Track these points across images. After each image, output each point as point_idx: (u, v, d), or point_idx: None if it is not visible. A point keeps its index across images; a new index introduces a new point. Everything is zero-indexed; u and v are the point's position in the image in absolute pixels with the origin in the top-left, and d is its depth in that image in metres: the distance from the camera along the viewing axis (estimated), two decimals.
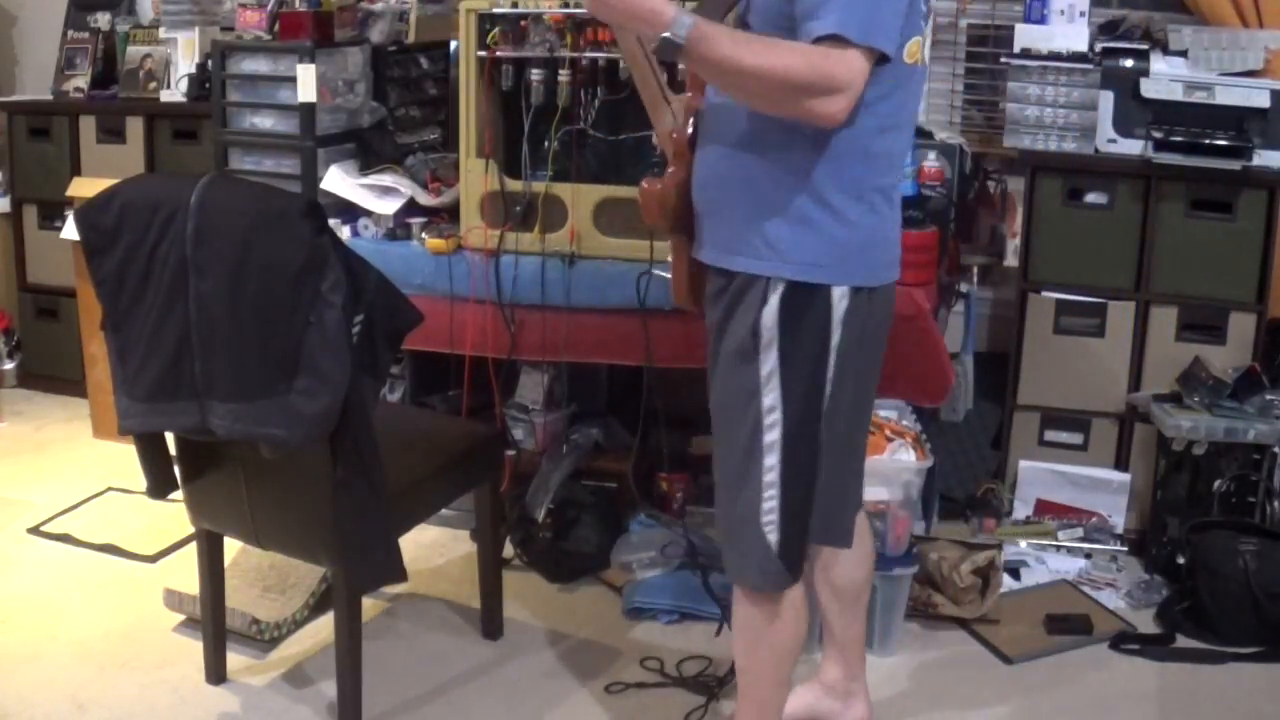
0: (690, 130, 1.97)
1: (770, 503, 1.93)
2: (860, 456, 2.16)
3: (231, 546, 2.55)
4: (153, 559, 3.09)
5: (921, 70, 1.93)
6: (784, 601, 2.02)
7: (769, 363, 1.89)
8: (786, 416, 1.90)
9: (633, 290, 2.69)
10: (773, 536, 1.94)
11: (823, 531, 2.04)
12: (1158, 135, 3.03)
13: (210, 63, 3.25)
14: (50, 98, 4.31)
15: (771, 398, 1.90)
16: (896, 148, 1.93)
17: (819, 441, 1.94)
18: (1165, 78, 3.06)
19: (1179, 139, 3.01)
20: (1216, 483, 3.02)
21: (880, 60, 1.74)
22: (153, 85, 4.08)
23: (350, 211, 2.99)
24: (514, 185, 2.76)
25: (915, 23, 1.82)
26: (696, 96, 1.97)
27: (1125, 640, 2.75)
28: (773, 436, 1.91)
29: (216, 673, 2.55)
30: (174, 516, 3.07)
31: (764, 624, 2.03)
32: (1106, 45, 3.15)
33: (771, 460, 1.91)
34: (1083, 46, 3.15)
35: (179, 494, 2.40)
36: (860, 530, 2.23)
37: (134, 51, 4.14)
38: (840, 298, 1.88)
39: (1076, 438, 3.23)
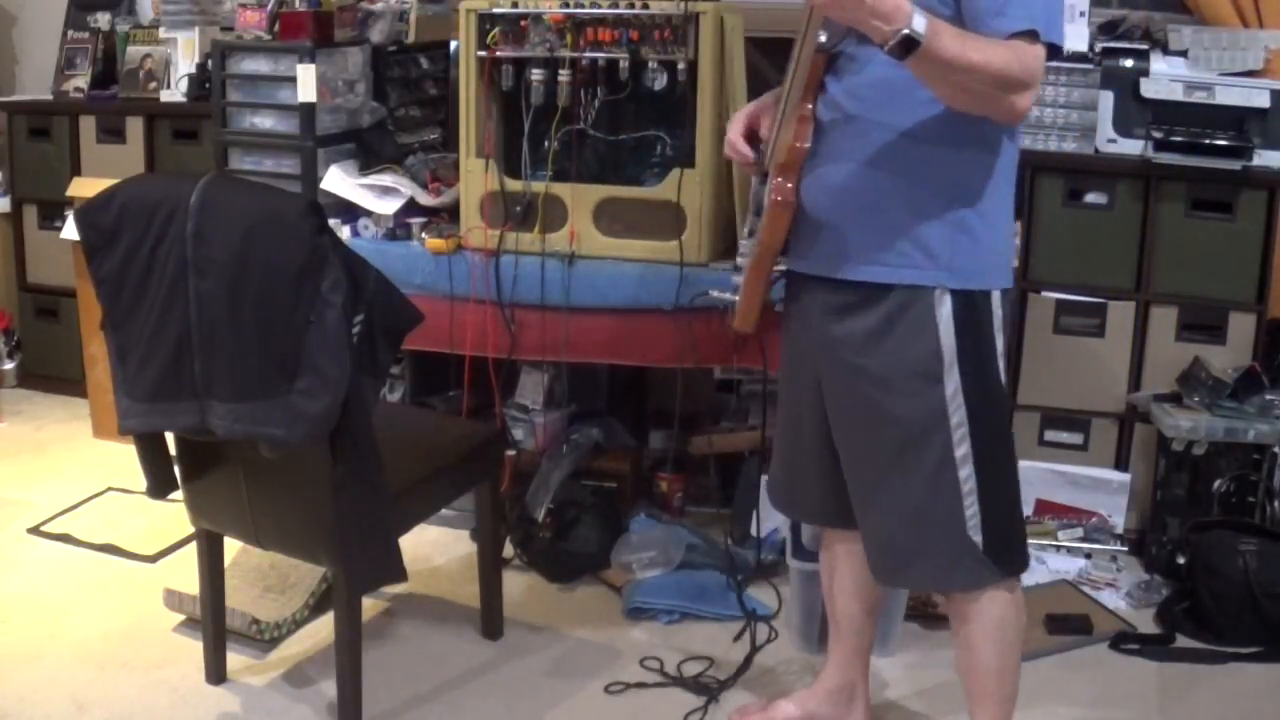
0: (809, 140, 1.92)
1: (971, 509, 1.94)
2: None
3: (231, 546, 2.55)
4: (153, 559, 3.09)
5: None
6: (1013, 591, 2.03)
7: (953, 380, 1.90)
8: (974, 427, 1.91)
9: (632, 290, 2.69)
10: (977, 538, 1.95)
11: None
12: (1158, 135, 3.03)
13: (210, 63, 3.26)
14: (50, 98, 4.31)
15: (959, 415, 1.91)
16: (1018, 148, 1.95)
17: (1010, 439, 1.98)
18: (1165, 78, 3.06)
19: (1179, 139, 3.01)
20: (1216, 483, 3.02)
21: (1050, 56, 1.76)
22: (153, 85, 4.08)
23: (350, 211, 2.99)
24: (514, 185, 2.76)
25: None
26: (808, 103, 1.91)
27: (1125, 640, 2.75)
28: (964, 449, 1.92)
29: (216, 673, 2.55)
30: (174, 516, 3.08)
31: (1011, 613, 2.03)
32: (1106, 45, 3.15)
33: (967, 471, 1.92)
34: (1083, 46, 3.14)
35: (179, 494, 2.40)
36: None
37: (134, 51, 4.14)
38: (998, 302, 1.92)
39: (1076, 438, 3.23)
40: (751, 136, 2.10)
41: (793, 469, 2.20)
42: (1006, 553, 1.99)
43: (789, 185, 1.94)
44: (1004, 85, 1.72)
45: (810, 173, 1.94)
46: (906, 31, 1.64)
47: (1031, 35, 1.72)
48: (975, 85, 1.72)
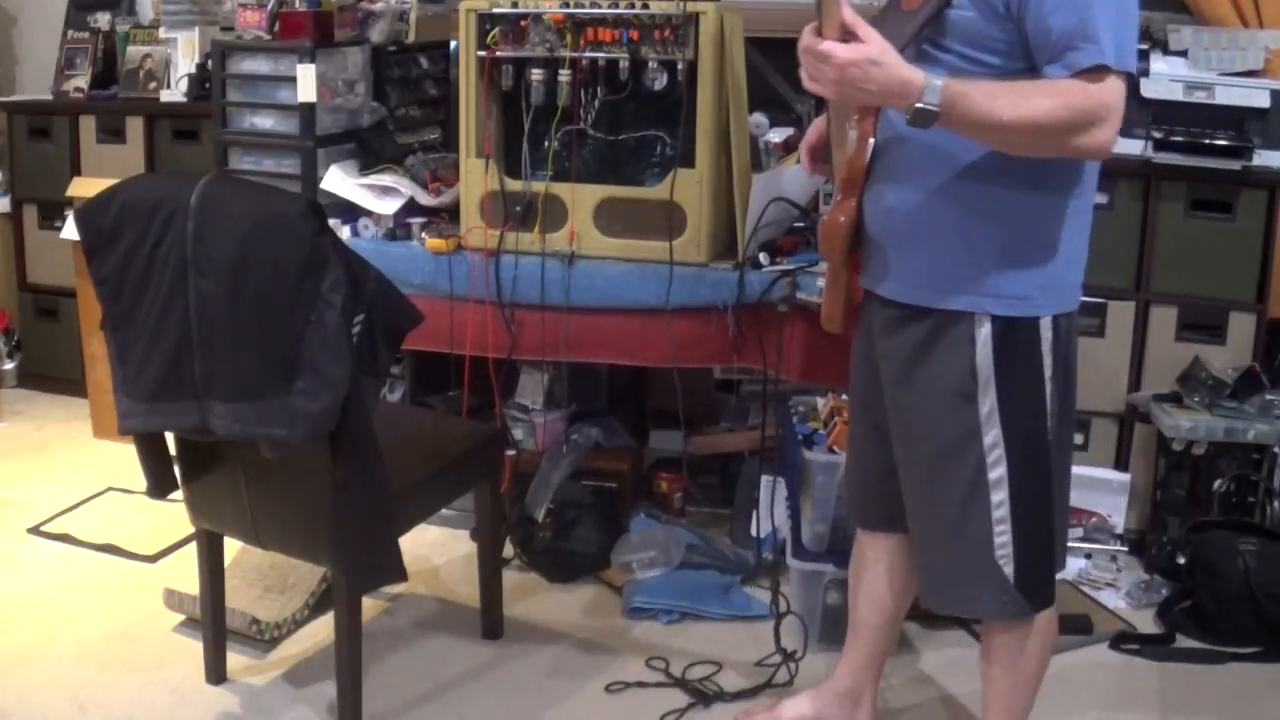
0: (868, 157, 1.91)
1: (1003, 537, 1.92)
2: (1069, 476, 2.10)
3: (231, 546, 2.55)
4: (153, 559, 3.09)
5: None
6: (1048, 620, 2.02)
7: (988, 402, 1.88)
8: (1010, 453, 1.89)
9: (632, 290, 2.69)
10: (1008, 569, 1.93)
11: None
12: (1158, 135, 3.03)
13: (210, 63, 3.26)
14: (50, 98, 4.31)
15: (993, 435, 1.89)
16: (1093, 171, 1.89)
17: (1049, 472, 1.93)
18: (1165, 78, 3.06)
19: (1179, 139, 3.01)
20: (1216, 483, 3.02)
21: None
22: (153, 85, 4.08)
23: (350, 211, 2.99)
24: (514, 185, 2.76)
25: None
26: (868, 122, 1.90)
27: (1125, 640, 2.75)
28: (999, 473, 1.90)
29: (216, 673, 2.55)
30: (174, 516, 3.07)
31: (1018, 648, 2.02)
32: None
33: (1000, 496, 1.90)
34: None
35: (179, 494, 2.40)
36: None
37: (134, 51, 4.14)
38: (1047, 327, 1.87)
39: (1077, 438, 3.22)
40: (827, 145, 2.08)
41: (863, 473, 2.19)
42: (1037, 586, 1.96)
43: (842, 204, 1.95)
44: (1052, 134, 1.69)
45: (869, 190, 1.94)
46: (919, 105, 1.67)
47: (1099, 70, 1.67)
48: (1018, 140, 1.71)
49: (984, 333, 1.86)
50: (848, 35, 1.70)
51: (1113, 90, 1.69)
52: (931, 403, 1.93)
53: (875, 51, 1.68)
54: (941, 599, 2.05)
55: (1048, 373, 1.89)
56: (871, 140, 1.89)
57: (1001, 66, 1.76)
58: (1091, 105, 1.68)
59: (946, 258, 1.87)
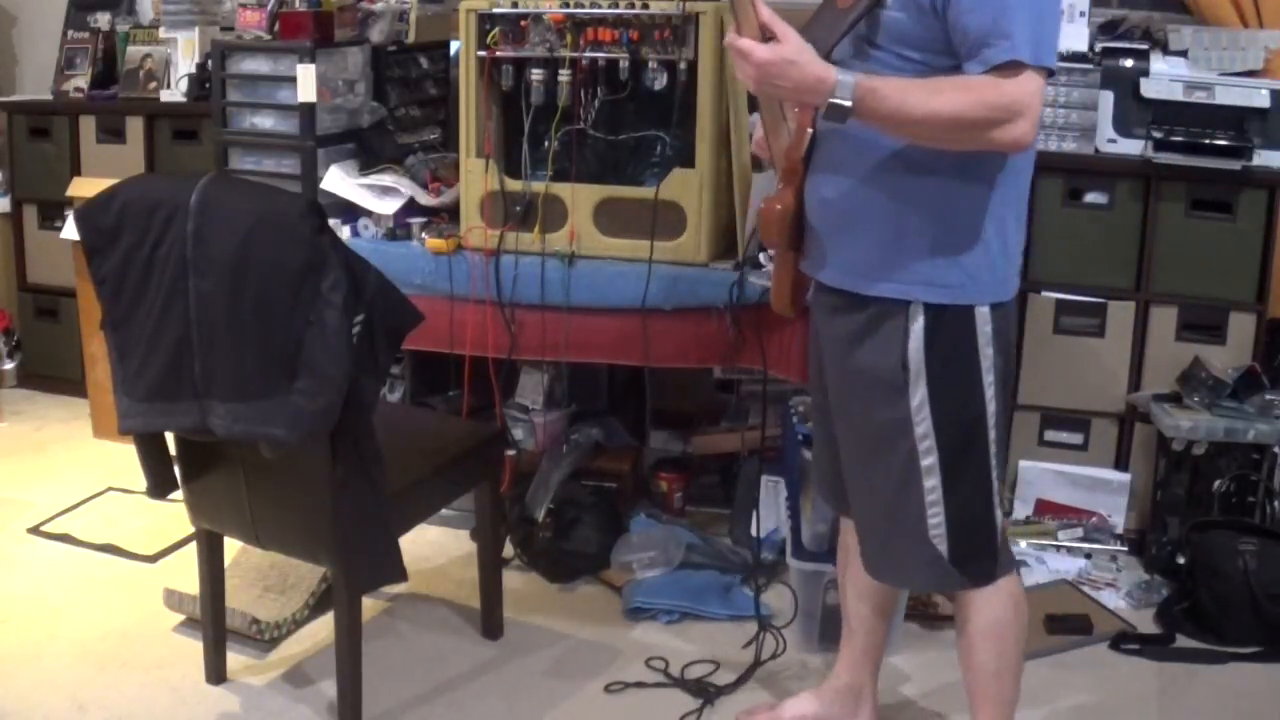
0: (805, 148, 1.96)
1: (936, 519, 1.96)
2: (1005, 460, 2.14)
3: (231, 546, 2.55)
4: (153, 559, 3.09)
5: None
6: (1011, 594, 2.04)
7: (919, 394, 1.91)
8: (942, 441, 1.92)
9: (632, 290, 2.69)
10: (942, 547, 1.97)
11: None
12: (1158, 135, 3.03)
13: (210, 63, 3.26)
14: (50, 98, 4.31)
15: (924, 426, 1.92)
16: (1024, 163, 1.92)
17: (985, 457, 1.96)
18: (1165, 78, 3.06)
19: (1179, 139, 3.01)
20: (1216, 483, 3.02)
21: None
22: (153, 85, 4.08)
23: (350, 211, 2.99)
24: (514, 185, 2.76)
25: None
26: (806, 114, 1.94)
27: (1125, 640, 2.75)
28: (930, 460, 1.93)
29: (216, 673, 2.55)
30: (174, 516, 3.08)
31: (1009, 615, 2.04)
32: (1106, 45, 3.15)
33: (932, 482, 1.94)
34: (1083, 46, 3.15)
35: (179, 494, 2.40)
36: None
37: (134, 51, 4.14)
38: (984, 319, 1.90)
39: (1076, 438, 3.23)
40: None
41: (825, 454, 2.23)
42: (973, 563, 2.00)
43: (782, 193, 1.99)
44: (965, 128, 1.73)
45: (809, 179, 1.97)
46: (833, 100, 1.73)
47: (1015, 66, 1.71)
48: (931, 134, 1.76)
49: (918, 325, 1.89)
50: (767, 34, 1.77)
51: (1028, 85, 1.72)
52: (865, 392, 1.97)
53: (790, 50, 1.75)
54: (880, 572, 2.09)
55: (985, 364, 1.91)
56: (810, 132, 1.94)
57: (931, 64, 1.80)
58: (1005, 100, 1.71)
59: (879, 246, 1.90)
